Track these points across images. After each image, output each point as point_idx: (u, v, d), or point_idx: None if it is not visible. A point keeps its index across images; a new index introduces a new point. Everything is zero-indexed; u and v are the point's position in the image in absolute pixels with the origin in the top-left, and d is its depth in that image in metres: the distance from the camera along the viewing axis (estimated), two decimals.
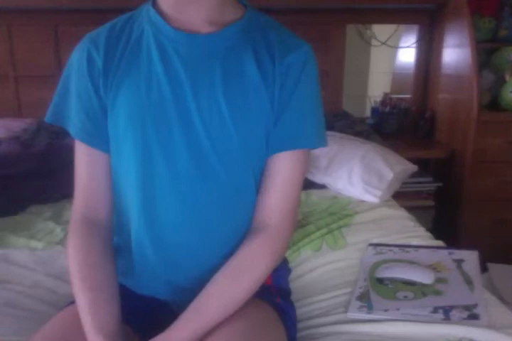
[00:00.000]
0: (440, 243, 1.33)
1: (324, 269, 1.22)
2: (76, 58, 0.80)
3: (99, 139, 0.81)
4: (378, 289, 1.07)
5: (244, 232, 0.83)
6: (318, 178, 1.81)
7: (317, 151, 1.78)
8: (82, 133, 0.81)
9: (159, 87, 0.76)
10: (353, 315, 0.98)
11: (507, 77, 2.02)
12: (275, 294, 0.87)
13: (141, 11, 0.81)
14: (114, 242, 0.87)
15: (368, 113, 2.47)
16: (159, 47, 0.77)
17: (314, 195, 1.73)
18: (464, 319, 0.94)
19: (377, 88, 2.60)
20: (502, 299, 1.40)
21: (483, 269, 1.51)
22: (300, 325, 0.95)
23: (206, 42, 0.76)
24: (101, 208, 0.83)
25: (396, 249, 1.27)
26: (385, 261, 1.19)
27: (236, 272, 0.76)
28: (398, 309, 0.98)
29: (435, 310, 0.97)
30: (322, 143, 0.83)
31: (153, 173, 0.78)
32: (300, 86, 0.79)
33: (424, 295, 1.03)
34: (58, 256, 1.27)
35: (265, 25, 0.81)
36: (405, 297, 1.03)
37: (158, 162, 0.78)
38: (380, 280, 1.10)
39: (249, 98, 0.77)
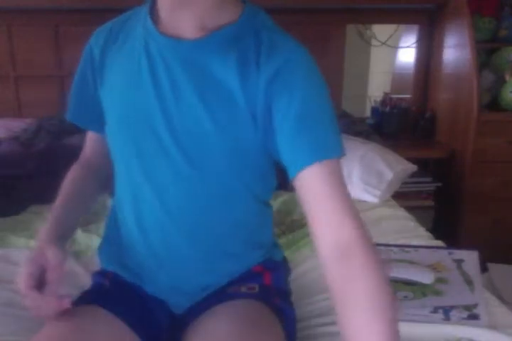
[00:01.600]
0: (440, 243, 1.33)
1: None
2: (85, 50, 0.85)
3: (97, 124, 0.87)
4: None
5: (235, 236, 0.84)
6: None
7: None
8: (79, 119, 0.91)
9: (146, 90, 0.76)
10: None
11: (507, 77, 2.02)
12: (274, 295, 0.87)
13: (141, 11, 0.81)
14: (117, 240, 0.87)
15: (368, 113, 2.47)
16: (147, 51, 0.77)
17: None
18: (464, 319, 0.94)
19: (377, 88, 2.60)
20: (502, 299, 1.40)
21: (483, 269, 1.51)
22: (300, 325, 0.95)
23: (189, 49, 0.75)
24: (101, 167, 0.93)
25: (396, 249, 1.27)
26: (385, 261, 1.19)
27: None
28: (398, 309, 0.98)
29: (435, 310, 0.97)
30: (340, 152, 0.71)
31: (142, 174, 0.80)
32: (305, 93, 0.70)
33: (424, 295, 1.03)
34: None
35: (260, 26, 0.76)
36: (405, 297, 1.03)
37: (147, 164, 0.79)
38: None
39: (227, 106, 0.74)
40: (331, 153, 0.70)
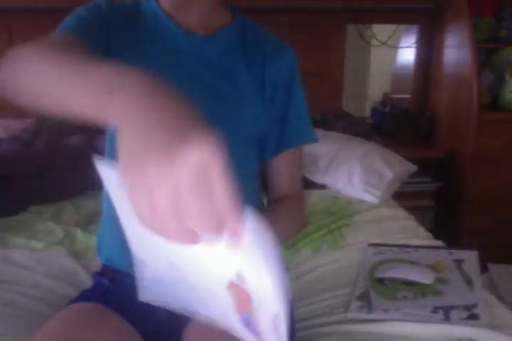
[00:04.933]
0: (440, 243, 1.33)
1: (324, 269, 1.22)
2: (98, 5, 0.76)
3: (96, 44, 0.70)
4: (378, 289, 1.07)
5: None
6: (318, 178, 1.81)
7: (317, 151, 1.79)
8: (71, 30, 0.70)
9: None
10: (353, 315, 0.98)
11: (507, 77, 2.02)
12: None
13: (144, 3, 0.82)
14: (114, 231, 0.87)
15: (367, 113, 2.47)
16: (161, 40, 0.78)
17: (314, 195, 1.73)
18: (464, 319, 0.94)
19: (377, 88, 2.60)
20: (502, 299, 1.40)
21: (484, 269, 1.51)
22: (300, 325, 0.95)
23: (204, 43, 0.79)
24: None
25: (396, 249, 1.27)
26: (385, 261, 1.19)
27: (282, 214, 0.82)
28: (398, 309, 0.98)
29: (435, 310, 0.97)
30: (315, 138, 0.88)
31: None
32: (294, 87, 0.84)
33: (424, 295, 1.03)
34: (58, 256, 1.27)
35: (254, 29, 0.85)
36: (405, 297, 1.03)
37: None
38: (380, 280, 1.10)
39: (239, 100, 0.80)
40: (313, 138, 0.87)
